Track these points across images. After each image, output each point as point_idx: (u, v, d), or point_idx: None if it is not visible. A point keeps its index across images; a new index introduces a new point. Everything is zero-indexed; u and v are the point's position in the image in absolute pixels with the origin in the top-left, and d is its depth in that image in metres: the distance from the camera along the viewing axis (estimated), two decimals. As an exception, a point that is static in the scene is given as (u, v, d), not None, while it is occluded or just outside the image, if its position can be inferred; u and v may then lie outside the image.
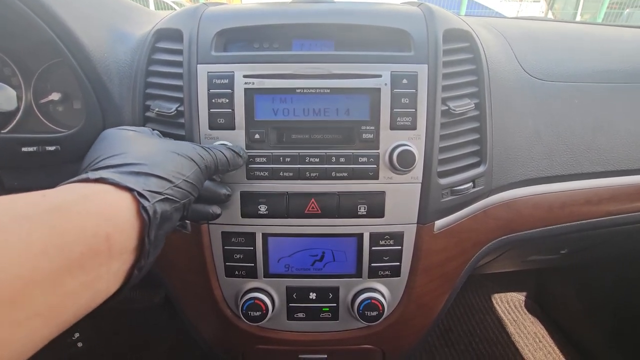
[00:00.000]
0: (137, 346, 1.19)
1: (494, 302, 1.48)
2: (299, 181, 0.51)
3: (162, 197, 0.35)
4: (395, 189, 0.51)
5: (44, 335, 0.26)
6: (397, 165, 0.49)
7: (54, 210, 0.27)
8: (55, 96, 0.61)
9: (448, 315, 1.41)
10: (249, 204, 0.51)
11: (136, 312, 1.25)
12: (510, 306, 1.47)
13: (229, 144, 0.49)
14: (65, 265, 0.26)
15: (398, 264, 0.54)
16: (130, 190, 0.32)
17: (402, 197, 0.52)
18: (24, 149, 0.55)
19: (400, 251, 0.54)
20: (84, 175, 0.33)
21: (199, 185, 0.41)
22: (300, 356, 0.60)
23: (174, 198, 0.36)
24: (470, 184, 0.55)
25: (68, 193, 0.30)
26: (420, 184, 0.52)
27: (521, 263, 0.95)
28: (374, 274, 0.54)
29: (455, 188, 0.53)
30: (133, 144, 0.40)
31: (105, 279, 0.30)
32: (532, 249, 0.77)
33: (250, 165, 0.51)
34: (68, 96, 0.61)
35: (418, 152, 0.49)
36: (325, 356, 0.60)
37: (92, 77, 0.53)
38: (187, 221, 0.52)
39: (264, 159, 0.50)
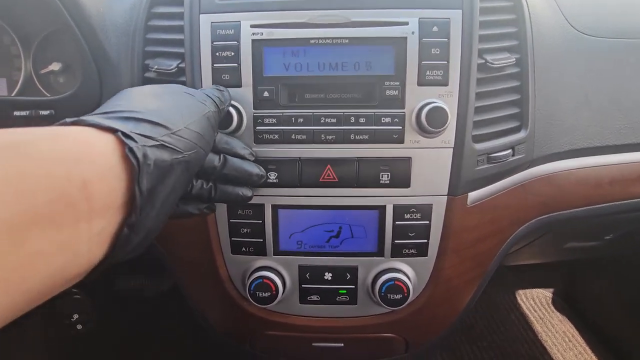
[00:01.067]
0: (145, 334, 1.17)
1: (519, 298, 1.40)
2: (313, 145, 0.45)
3: (157, 143, 0.29)
4: (423, 154, 0.45)
5: (5, 304, 0.21)
6: (426, 126, 0.42)
7: (10, 147, 0.22)
8: (55, 66, 0.57)
9: (470, 311, 1.34)
10: (258, 172, 0.46)
11: (144, 300, 1.23)
12: (536, 303, 1.38)
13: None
14: (28, 217, 0.21)
15: (425, 241, 0.48)
16: (113, 131, 0.27)
17: (431, 164, 0.45)
18: (17, 113, 0.51)
19: (428, 227, 0.47)
20: (61, 121, 0.28)
21: (208, 137, 0.35)
22: (313, 344, 0.54)
23: (172, 146, 0.30)
24: (509, 151, 0.48)
25: (34, 130, 0.24)
26: (452, 149, 0.45)
27: (556, 252, 0.87)
28: (397, 252, 0.48)
29: (493, 155, 0.47)
30: (135, 96, 0.35)
31: (85, 240, 0.24)
32: (572, 233, 0.69)
33: (258, 128, 0.45)
34: (69, 67, 0.58)
35: (450, 111, 0.43)
36: (342, 345, 0.54)
37: (90, 37, 0.49)
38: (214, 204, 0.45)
39: (274, 120, 0.45)
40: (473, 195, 0.48)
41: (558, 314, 1.32)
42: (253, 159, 0.44)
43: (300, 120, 0.44)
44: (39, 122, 0.51)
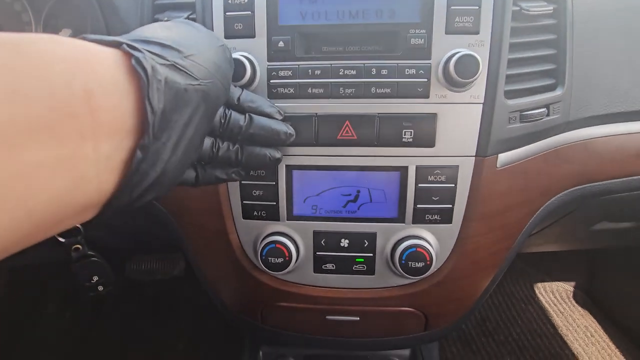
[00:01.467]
0: (159, 313, 1.17)
1: (537, 291, 1.35)
2: (330, 100, 0.42)
3: (168, 62, 0.26)
4: (450, 110, 0.41)
5: (8, 224, 0.18)
6: (455, 77, 0.39)
7: (4, 44, 0.19)
8: (65, 33, 0.56)
9: (484, 304, 1.29)
10: (271, 129, 0.43)
11: (157, 283, 1.23)
12: (555, 297, 1.33)
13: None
14: (25, 122, 0.18)
15: (450, 206, 0.44)
16: (117, 44, 0.24)
17: (459, 122, 0.42)
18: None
19: (454, 190, 0.44)
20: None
21: (225, 69, 0.32)
22: (327, 317, 0.52)
23: (186, 70, 0.27)
24: (544, 109, 0.44)
25: (30, 35, 0.21)
26: (481, 105, 0.41)
27: (582, 237, 0.82)
28: (419, 218, 0.45)
29: (526, 113, 0.43)
30: (143, 28, 0.32)
31: (92, 162, 0.22)
32: (603, 212, 0.64)
33: (272, 81, 0.42)
34: (79, 33, 0.56)
35: (482, 61, 0.39)
36: (357, 318, 0.51)
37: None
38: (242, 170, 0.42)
39: (289, 73, 0.42)
40: (503, 157, 0.44)
41: (579, 307, 1.27)
42: (281, 117, 0.41)
43: (318, 72, 0.41)
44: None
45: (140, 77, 0.24)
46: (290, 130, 0.40)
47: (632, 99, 0.48)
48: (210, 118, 0.32)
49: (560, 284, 1.35)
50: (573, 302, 1.30)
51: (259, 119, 0.38)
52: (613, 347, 1.12)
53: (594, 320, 1.21)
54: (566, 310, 1.27)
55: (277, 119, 0.40)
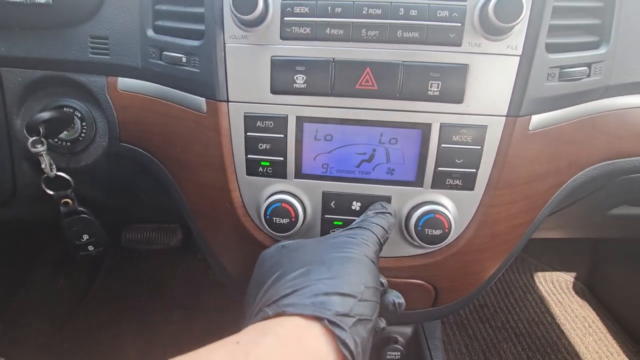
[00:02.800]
0: (152, 285, 1.15)
1: (537, 280, 1.33)
2: (350, 44, 0.38)
3: (354, 319, 0.29)
4: (484, 62, 0.37)
5: None
6: (494, 20, 0.34)
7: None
8: None
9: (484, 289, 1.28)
10: (282, 75, 0.39)
11: (153, 253, 1.21)
12: (555, 287, 1.32)
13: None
14: None
15: (474, 171, 0.40)
16: (319, 319, 0.28)
17: (492, 75, 0.38)
18: (10, -1, 0.44)
19: (480, 153, 0.40)
20: (264, 313, 0.30)
21: (378, 285, 0.34)
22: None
23: (365, 317, 0.30)
24: (585, 68, 0.40)
25: (263, 337, 0.26)
26: (519, 57, 0.37)
27: (599, 221, 0.79)
28: (439, 182, 0.41)
29: (566, 70, 0.38)
30: (301, 259, 0.34)
31: None
32: (629, 193, 0.61)
33: (286, 19, 0.38)
34: None
35: (526, 4, 0.34)
36: (364, 289, 0.48)
37: None
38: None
39: (306, 10, 0.37)
40: (536, 119, 0.40)
41: (578, 298, 1.26)
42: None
43: (338, 10, 0.37)
44: (35, 15, 0.44)
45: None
46: (400, 300, 0.39)
47: (678, 66, 0.44)
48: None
49: (560, 274, 1.34)
50: (572, 292, 1.29)
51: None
52: (610, 338, 1.11)
53: (592, 311, 1.20)
54: (565, 300, 1.26)
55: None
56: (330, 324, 0.28)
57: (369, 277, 0.32)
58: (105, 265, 1.21)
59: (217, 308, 1.08)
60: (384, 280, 0.38)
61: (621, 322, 1.14)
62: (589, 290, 1.28)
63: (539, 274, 1.34)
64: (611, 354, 1.07)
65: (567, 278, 1.32)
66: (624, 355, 1.05)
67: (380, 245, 0.37)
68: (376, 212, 0.40)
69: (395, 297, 0.38)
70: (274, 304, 0.30)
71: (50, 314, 1.06)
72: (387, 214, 0.40)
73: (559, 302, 1.25)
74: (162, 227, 1.18)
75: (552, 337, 1.11)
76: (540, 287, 1.30)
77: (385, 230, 0.38)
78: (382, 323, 0.40)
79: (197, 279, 1.18)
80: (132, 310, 1.09)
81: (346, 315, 0.29)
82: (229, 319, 1.03)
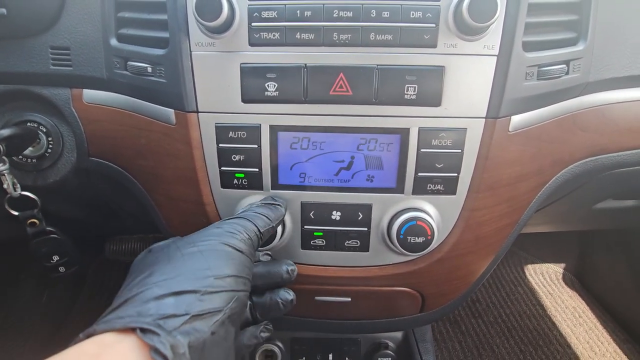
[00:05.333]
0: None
1: (527, 273, 1.34)
2: (322, 48, 0.36)
3: (186, 317, 0.26)
4: (460, 63, 0.36)
5: None
6: (468, 20, 0.33)
7: None
8: None
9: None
10: (252, 83, 0.37)
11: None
12: (545, 278, 1.33)
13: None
14: None
15: (455, 175, 0.39)
16: (130, 330, 0.24)
17: (469, 76, 0.36)
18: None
19: (460, 157, 0.39)
20: (75, 339, 0.26)
21: (245, 274, 0.31)
22: (316, 298, 0.47)
23: (207, 311, 0.27)
24: (564, 66, 0.39)
25: None
26: (496, 57, 0.36)
27: (585, 215, 0.79)
28: (420, 188, 0.40)
29: (545, 68, 0.38)
30: (150, 264, 0.32)
31: None
32: (612, 188, 0.61)
33: (254, 24, 0.36)
34: None
35: (501, 3, 0.33)
36: (349, 299, 0.47)
37: None
38: None
39: (274, 14, 0.35)
40: (516, 119, 0.39)
41: (568, 289, 1.27)
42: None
43: (308, 14, 0.35)
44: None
45: None
46: (292, 265, 0.38)
47: (656, 60, 0.44)
48: (238, 327, 0.32)
49: (550, 265, 1.35)
50: (562, 283, 1.30)
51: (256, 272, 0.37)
52: (600, 327, 1.13)
53: (582, 301, 1.22)
54: (555, 291, 1.27)
55: (269, 260, 0.41)
56: (142, 332, 0.24)
57: (225, 267, 0.30)
58: (90, 278, 1.17)
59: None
60: (288, 265, 0.38)
61: (610, 311, 1.15)
62: (579, 280, 1.29)
63: (529, 266, 1.35)
64: (602, 343, 1.08)
65: (556, 269, 1.34)
66: (614, 344, 1.06)
67: (259, 235, 0.35)
68: (264, 203, 0.39)
69: (284, 296, 0.37)
70: (99, 320, 0.27)
71: (35, 331, 1.03)
72: (276, 206, 0.38)
73: (550, 293, 1.26)
74: (147, 237, 1.15)
75: (544, 329, 1.12)
76: (531, 279, 1.31)
77: (269, 220, 0.36)
78: (289, 296, 0.38)
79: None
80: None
81: (173, 315, 0.26)
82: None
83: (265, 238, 0.35)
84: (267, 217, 0.36)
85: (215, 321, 0.27)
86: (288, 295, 0.38)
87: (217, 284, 0.28)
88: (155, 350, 0.23)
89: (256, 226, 0.34)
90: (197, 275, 0.28)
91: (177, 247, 0.32)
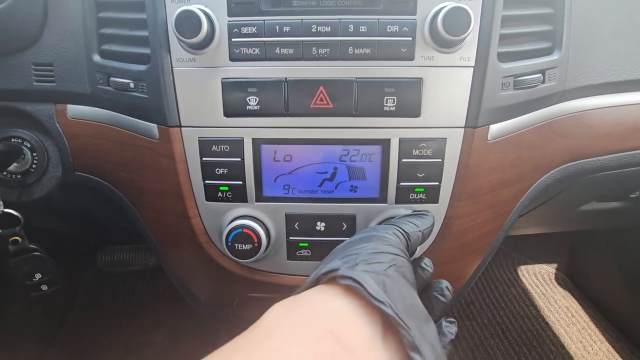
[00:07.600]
0: (134, 307, 1.11)
1: (520, 274, 1.35)
2: (302, 62, 0.37)
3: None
4: (438, 75, 0.37)
5: None
6: (443, 34, 0.34)
7: None
8: None
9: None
10: (234, 97, 0.37)
11: (132, 274, 1.17)
12: (538, 279, 1.34)
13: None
14: None
15: (437, 184, 0.40)
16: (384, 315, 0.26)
17: (447, 88, 0.37)
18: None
19: (441, 166, 0.39)
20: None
21: (402, 248, 0.34)
22: (304, 308, 0.47)
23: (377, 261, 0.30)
24: (539, 75, 0.40)
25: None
26: (472, 68, 0.37)
27: (571, 217, 0.80)
28: (403, 198, 0.40)
29: (520, 78, 0.38)
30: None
31: None
32: (595, 190, 0.62)
33: (234, 40, 0.36)
34: None
35: (473, 16, 0.34)
36: (337, 309, 0.47)
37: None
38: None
39: (254, 30, 0.36)
40: (495, 128, 0.40)
41: (561, 289, 1.28)
42: None
43: (287, 29, 0.36)
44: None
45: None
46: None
47: (630, 67, 0.45)
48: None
49: (543, 266, 1.36)
50: (555, 283, 1.31)
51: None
52: (593, 327, 1.14)
53: (575, 301, 1.23)
54: (548, 292, 1.28)
55: None
56: (403, 331, 0.26)
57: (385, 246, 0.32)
58: (82, 289, 1.16)
59: (202, 325, 1.06)
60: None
61: (602, 310, 1.16)
62: (571, 280, 1.30)
63: (522, 267, 1.36)
64: (595, 342, 1.09)
65: (549, 270, 1.35)
66: (607, 343, 1.07)
67: (408, 240, 0.35)
68: (414, 212, 0.39)
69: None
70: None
71: (25, 348, 1.01)
72: (423, 214, 0.38)
73: (543, 294, 1.27)
74: (139, 247, 1.15)
75: (538, 330, 1.13)
76: (524, 280, 1.32)
77: (416, 225, 0.36)
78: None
79: (179, 297, 1.14)
80: (114, 333, 1.05)
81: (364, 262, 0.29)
82: (216, 335, 1.00)
83: (412, 241, 0.35)
84: (414, 224, 0.36)
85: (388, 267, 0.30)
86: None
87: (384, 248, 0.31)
88: (411, 346, 0.26)
89: (401, 228, 0.35)
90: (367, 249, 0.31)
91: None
